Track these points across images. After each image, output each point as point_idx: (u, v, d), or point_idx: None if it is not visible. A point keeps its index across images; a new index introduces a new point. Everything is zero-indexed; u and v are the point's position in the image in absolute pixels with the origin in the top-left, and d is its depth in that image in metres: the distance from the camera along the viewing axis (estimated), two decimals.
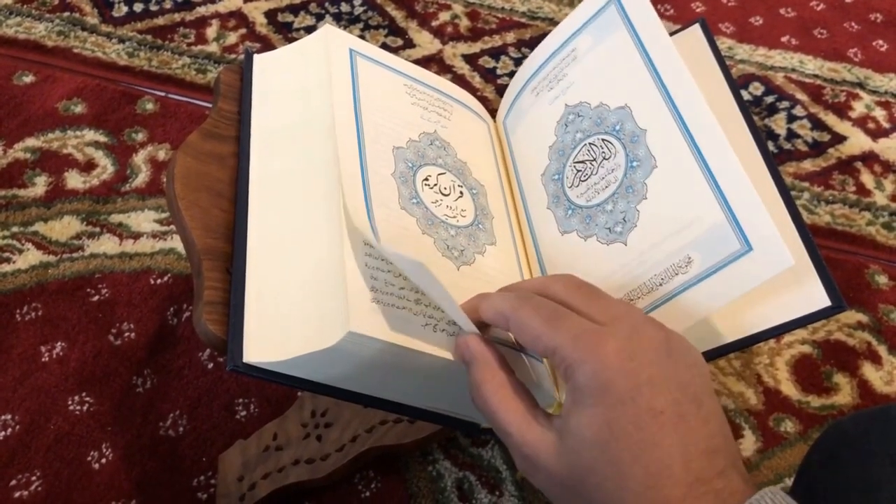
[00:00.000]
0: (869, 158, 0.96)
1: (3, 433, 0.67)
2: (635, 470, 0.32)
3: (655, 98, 0.46)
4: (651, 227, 0.44)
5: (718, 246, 0.41)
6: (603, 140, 0.48)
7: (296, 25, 1.06)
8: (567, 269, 0.46)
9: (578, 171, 0.49)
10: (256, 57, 0.55)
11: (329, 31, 0.53)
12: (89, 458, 0.67)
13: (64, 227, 0.82)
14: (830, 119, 0.99)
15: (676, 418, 0.33)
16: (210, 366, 0.72)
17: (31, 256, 0.79)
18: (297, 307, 0.42)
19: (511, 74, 1.01)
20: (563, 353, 0.35)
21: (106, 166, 0.87)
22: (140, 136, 0.91)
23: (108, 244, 0.81)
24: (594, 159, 0.48)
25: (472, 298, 0.41)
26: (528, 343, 0.37)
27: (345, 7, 1.09)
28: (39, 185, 0.85)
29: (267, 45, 1.03)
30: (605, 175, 0.47)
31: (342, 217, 0.43)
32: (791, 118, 0.99)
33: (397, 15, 1.09)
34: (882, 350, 0.79)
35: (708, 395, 0.34)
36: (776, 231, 0.40)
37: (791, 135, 0.97)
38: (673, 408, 0.33)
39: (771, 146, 0.96)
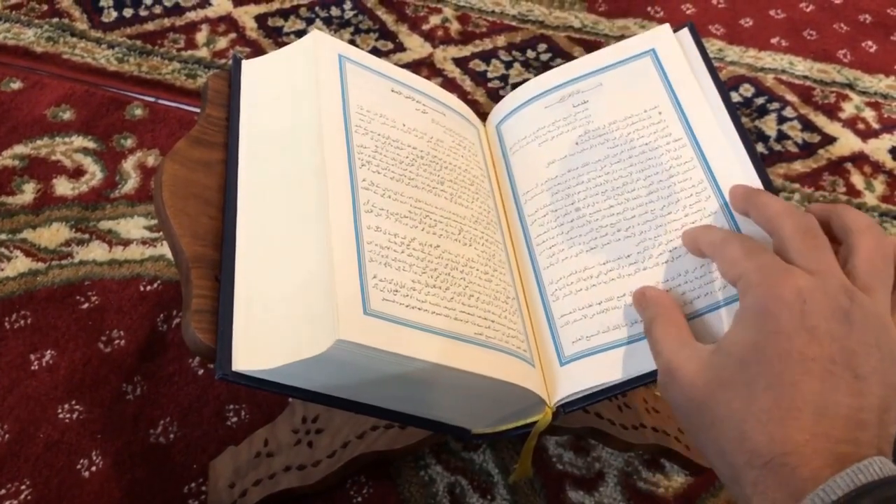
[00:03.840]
0: (859, 159, 0.96)
1: None
2: (765, 397, 0.33)
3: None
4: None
5: None
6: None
7: (286, 30, 1.06)
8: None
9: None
10: (245, 62, 0.55)
11: (318, 37, 0.53)
12: (79, 467, 0.66)
13: (53, 234, 0.81)
14: (820, 120, 1.00)
15: (825, 373, 0.33)
16: (200, 372, 0.72)
17: (20, 264, 0.78)
18: (285, 315, 0.42)
19: (502, 77, 1.01)
20: (747, 277, 0.37)
21: (95, 173, 0.87)
22: (129, 142, 0.90)
23: (97, 251, 0.80)
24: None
25: (695, 228, 0.44)
26: (726, 269, 0.39)
27: (335, 11, 1.09)
28: (28, 192, 0.85)
29: (257, 50, 1.03)
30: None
31: (331, 224, 0.43)
32: (781, 119, 0.99)
33: (388, 19, 1.09)
34: None
35: (876, 378, 0.33)
36: None
37: (781, 136, 0.97)
38: (825, 363, 0.33)
39: (761, 148, 0.96)
